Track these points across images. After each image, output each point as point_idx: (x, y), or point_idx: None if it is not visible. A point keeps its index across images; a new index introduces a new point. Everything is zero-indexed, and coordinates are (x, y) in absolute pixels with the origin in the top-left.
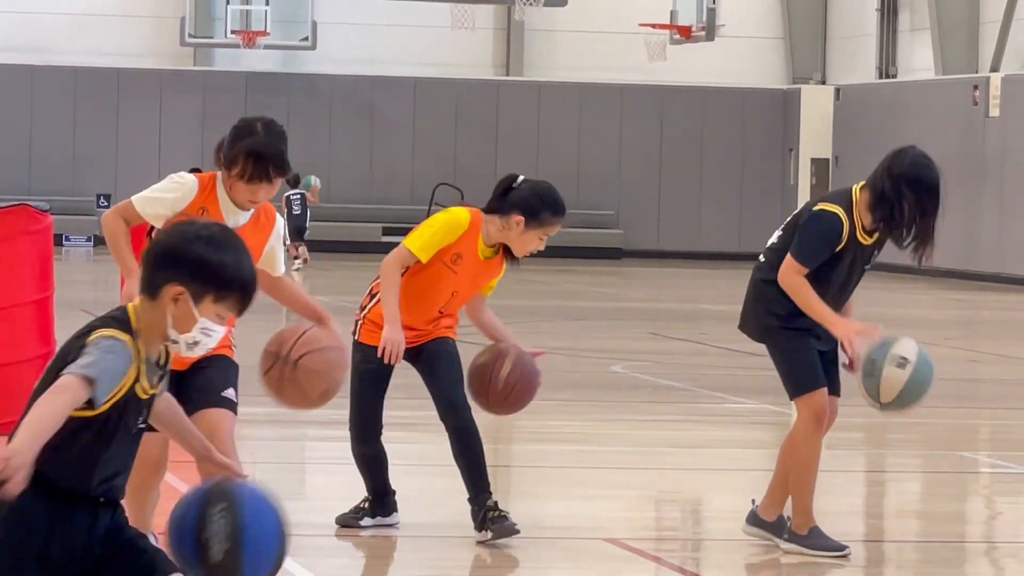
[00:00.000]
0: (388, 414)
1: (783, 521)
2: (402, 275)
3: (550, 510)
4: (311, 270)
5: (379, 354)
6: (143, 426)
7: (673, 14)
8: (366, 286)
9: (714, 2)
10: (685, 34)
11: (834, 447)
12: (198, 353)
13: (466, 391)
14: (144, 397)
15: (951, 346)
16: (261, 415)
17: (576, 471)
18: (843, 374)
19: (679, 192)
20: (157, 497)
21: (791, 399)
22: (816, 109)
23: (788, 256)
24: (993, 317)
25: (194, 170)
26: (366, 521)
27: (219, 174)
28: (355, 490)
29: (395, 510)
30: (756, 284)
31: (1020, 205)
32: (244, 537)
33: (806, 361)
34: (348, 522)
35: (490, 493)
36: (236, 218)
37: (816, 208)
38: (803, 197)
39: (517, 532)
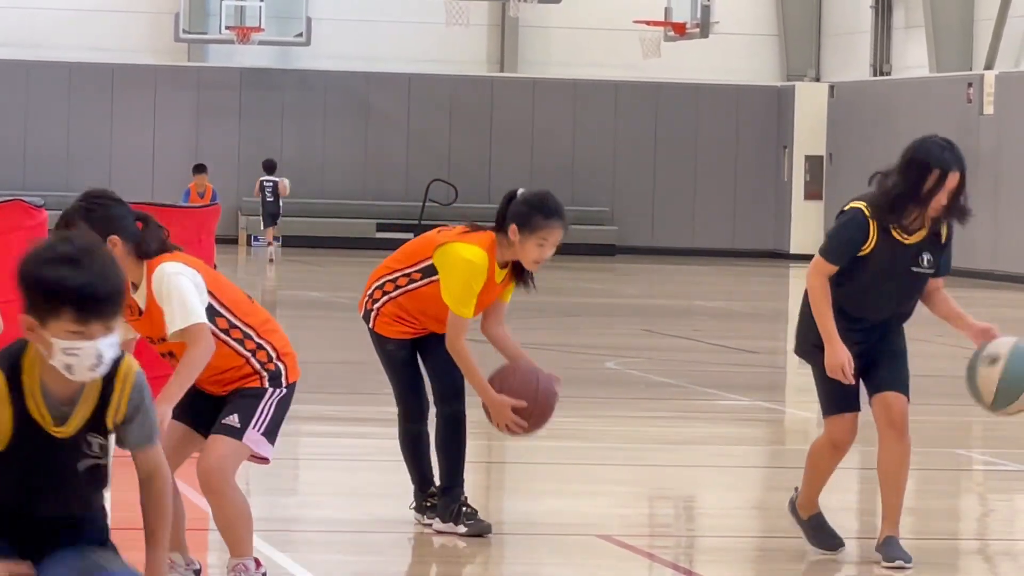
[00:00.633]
0: (380, 409)
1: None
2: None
3: (543, 506)
4: (308, 267)
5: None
6: (94, 461)
7: (667, 11)
8: (361, 281)
9: None
10: (679, 31)
11: None
12: (96, 374)
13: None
14: (52, 432)
15: (944, 343)
16: None
17: (569, 467)
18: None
19: (673, 189)
20: (182, 516)
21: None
22: (810, 106)
23: (816, 254)
24: (987, 315)
25: (199, 167)
26: (437, 524)
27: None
28: (349, 486)
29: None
30: (802, 301)
31: (1014, 203)
32: None
33: (834, 384)
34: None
35: (463, 488)
36: (140, 299)
37: (845, 206)
38: (797, 194)
39: (490, 531)
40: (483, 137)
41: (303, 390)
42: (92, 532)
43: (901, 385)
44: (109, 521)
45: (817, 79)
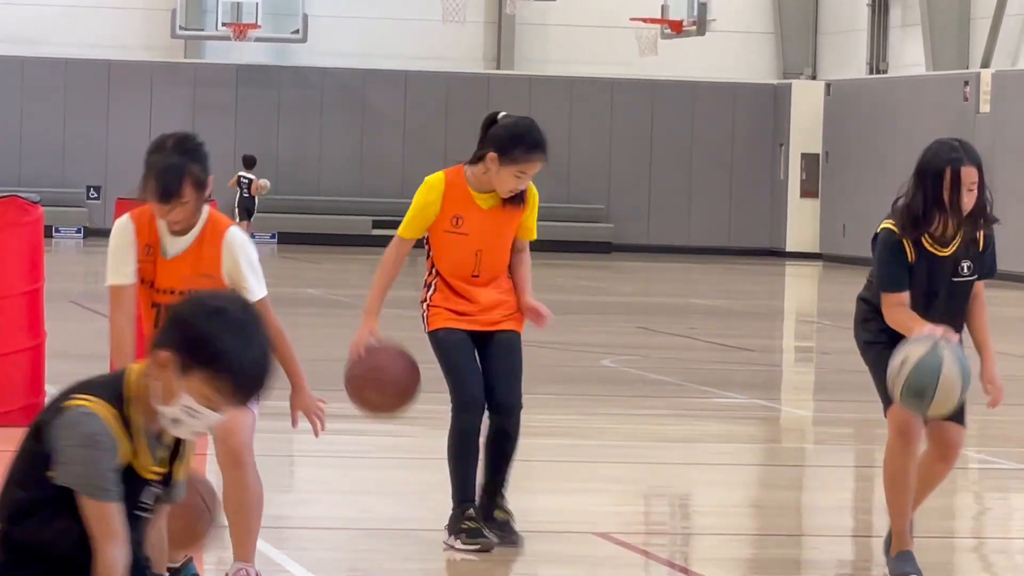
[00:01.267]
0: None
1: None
2: (399, 262)
3: (539, 504)
4: (303, 264)
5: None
6: (146, 508)
7: (664, 8)
8: (357, 278)
9: None
10: (676, 29)
11: (823, 443)
12: (184, 436)
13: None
14: (144, 475)
15: None
16: None
17: (565, 465)
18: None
19: (669, 186)
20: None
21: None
22: (807, 104)
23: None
24: None
25: None
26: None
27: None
28: (344, 484)
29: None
30: (856, 300)
31: (1010, 201)
32: None
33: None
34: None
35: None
36: (176, 245)
37: (878, 228)
38: (793, 192)
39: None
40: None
41: None
42: None
43: (960, 413)
44: None
45: (813, 77)
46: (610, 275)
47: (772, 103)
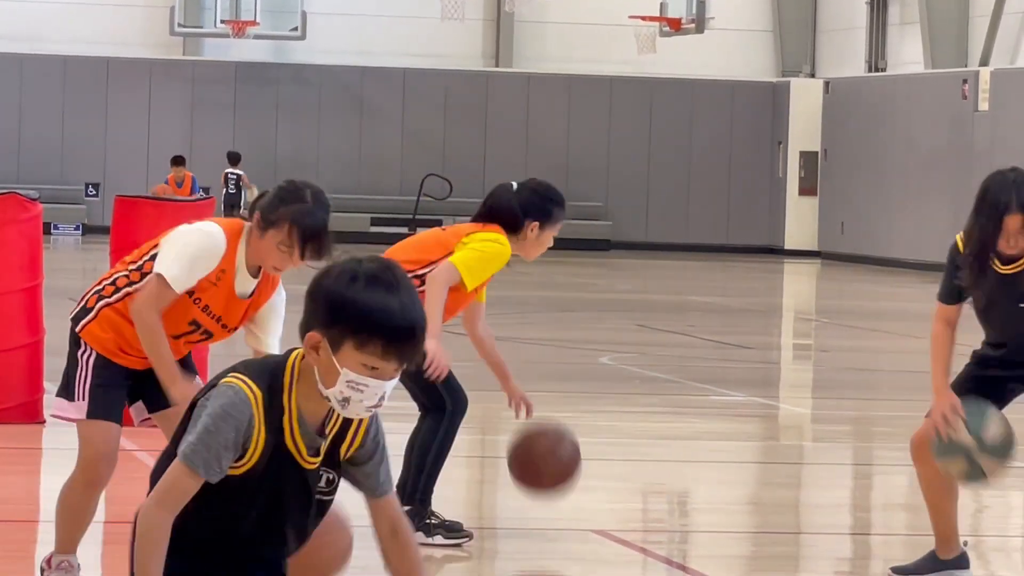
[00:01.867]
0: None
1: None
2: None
3: (537, 502)
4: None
5: (426, 367)
6: (322, 498)
7: (663, 6)
8: None
9: None
10: (675, 26)
11: (821, 440)
12: (359, 415)
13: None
14: (303, 464)
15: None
16: None
17: None
18: None
19: (667, 184)
20: (91, 516)
21: None
22: (805, 102)
23: None
24: None
25: (177, 159)
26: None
27: (246, 229)
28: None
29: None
30: None
31: None
32: None
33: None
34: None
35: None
36: (246, 285)
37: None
38: (791, 190)
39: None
40: (478, 132)
41: None
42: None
43: None
44: None
45: (812, 75)
46: (609, 272)
47: (771, 101)
